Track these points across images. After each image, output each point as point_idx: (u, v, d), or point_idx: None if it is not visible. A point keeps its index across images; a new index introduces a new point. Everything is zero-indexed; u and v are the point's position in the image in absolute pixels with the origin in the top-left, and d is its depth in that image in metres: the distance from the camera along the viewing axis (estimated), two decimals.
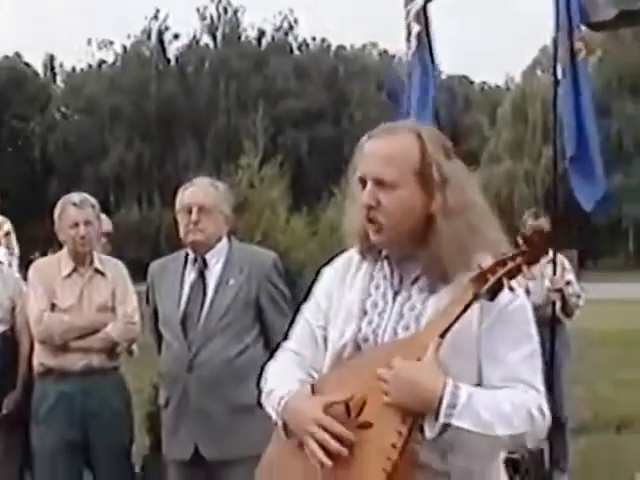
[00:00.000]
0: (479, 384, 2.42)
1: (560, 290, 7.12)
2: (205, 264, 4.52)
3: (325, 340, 2.69)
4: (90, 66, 64.73)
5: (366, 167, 2.53)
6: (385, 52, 68.59)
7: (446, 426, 2.28)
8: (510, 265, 2.37)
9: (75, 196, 5.10)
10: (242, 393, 4.34)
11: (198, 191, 4.54)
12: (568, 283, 7.30)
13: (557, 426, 7.16)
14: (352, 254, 2.71)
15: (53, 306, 4.98)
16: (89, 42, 64.33)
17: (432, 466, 2.40)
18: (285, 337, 4.31)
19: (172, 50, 64.41)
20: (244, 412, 4.32)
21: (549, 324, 7.00)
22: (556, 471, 7.12)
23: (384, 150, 2.52)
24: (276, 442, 2.63)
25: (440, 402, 2.28)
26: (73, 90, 63.14)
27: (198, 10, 64.64)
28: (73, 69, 66.54)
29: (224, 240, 4.60)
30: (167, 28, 63.34)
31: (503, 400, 2.34)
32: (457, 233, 2.45)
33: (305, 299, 2.82)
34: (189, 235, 4.49)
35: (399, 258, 2.58)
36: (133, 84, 60.52)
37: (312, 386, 2.58)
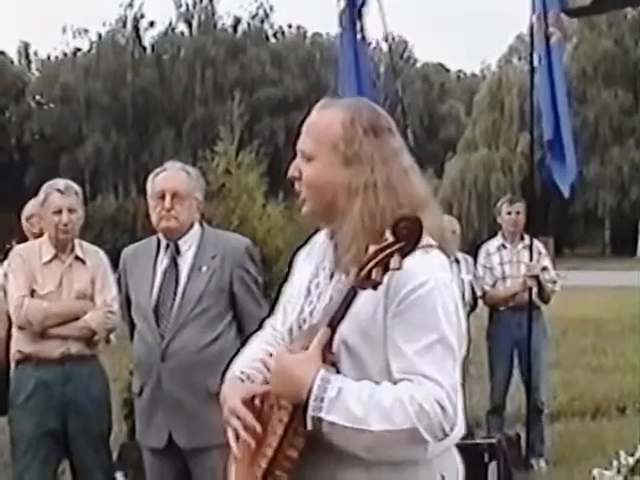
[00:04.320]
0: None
1: (536, 276, 7.16)
2: (177, 250, 4.46)
3: None
4: (65, 54, 64.38)
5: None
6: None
7: (317, 419, 2.22)
8: (384, 254, 2.19)
9: (60, 182, 5.06)
10: (215, 381, 4.30)
11: (171, 177, 4.47)
12: (544, 269, 7.33)
13: (534, 411, 7.21)
14: (323, 232, 2.61)
15: (33, 292, 4.94)
16: (64, 30, 64.05)
17: (350, 454, 2.30)
18: (258, 323, 4.27)
19: (148, 38, 64.34)
20: (217, 400, 4.28)
21: (526, 310, 7.05)
22: (533, 456, 7.16)
23: (310, 123, 2.48)
24: None
25: (309, 395, 2.23)
26: (48, 78, 62.73)
27: None
28: (48, 57, 66.20)
29: (196, 226, 4.53)
30: (142, 16, 63.27)
31: (385, 394, 2.22)
32: (352, 215, 2.35)
33: (282, 284, 2.80)
34: (162, 221, 4.42)
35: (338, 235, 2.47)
36: (109, 72, 60.29)
37: None
